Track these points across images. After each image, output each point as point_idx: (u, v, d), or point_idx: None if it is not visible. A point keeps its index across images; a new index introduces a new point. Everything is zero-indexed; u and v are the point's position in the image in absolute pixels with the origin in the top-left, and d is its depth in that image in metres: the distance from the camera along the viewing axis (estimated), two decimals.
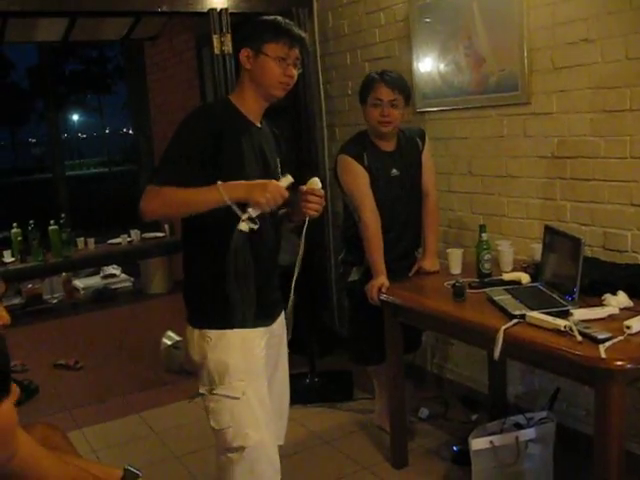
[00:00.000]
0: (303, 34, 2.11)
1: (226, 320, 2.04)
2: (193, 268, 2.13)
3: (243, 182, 1.92)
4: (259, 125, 2.13)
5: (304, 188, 2.05)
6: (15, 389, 1.21)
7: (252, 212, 1.89)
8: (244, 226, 1.89)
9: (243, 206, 1.90)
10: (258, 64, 2.05)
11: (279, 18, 2.10)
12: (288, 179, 1.98)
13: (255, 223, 1.90)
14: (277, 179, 2.06)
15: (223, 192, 1.87)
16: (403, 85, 2.86)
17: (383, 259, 2.83)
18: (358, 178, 2.87)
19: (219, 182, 1.89)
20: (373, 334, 2.99)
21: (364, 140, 2.94)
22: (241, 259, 1.98)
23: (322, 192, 2.04)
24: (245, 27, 2.14)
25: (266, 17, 2.14)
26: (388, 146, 2.94)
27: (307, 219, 2.04)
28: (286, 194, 1.93)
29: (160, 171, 1.99)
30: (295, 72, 2.08)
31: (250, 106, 2.09)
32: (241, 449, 2.02)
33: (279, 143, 2.24)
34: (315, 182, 2.04)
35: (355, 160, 2.87)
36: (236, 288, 2.04)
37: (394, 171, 2.91)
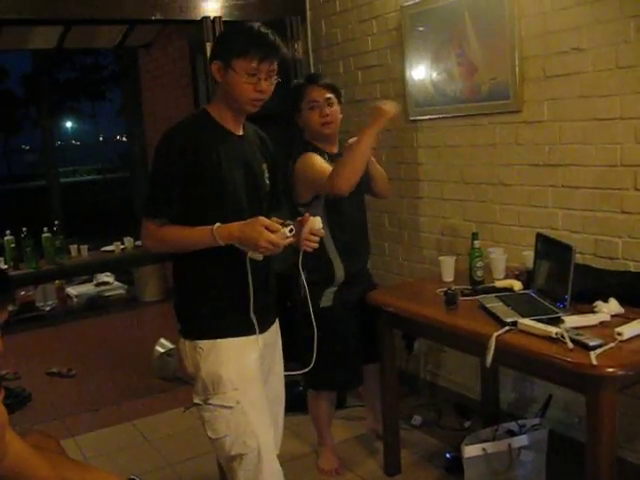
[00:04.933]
0: (278, 42, 1.98)
1: (217, 330, 2.04)
2: (183, 279, 2.12)
3: (236, 227, 1.92)
4: (240, 133, 2.10)
5: (306, 229, 2.01)
6: (1, 389, 1.22)
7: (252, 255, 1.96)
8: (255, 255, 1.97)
9: None
10: (228, 79, 1.98)
11: (253, 27, 1.98)
12: (286, 231, 1.92)
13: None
14: (263, 185, 2.10)
15: (218, 237, 1.92)
16: (332, 84, 2.83)
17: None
18: (323, 162, 2.72)
19: (217, 225, 1.92)
20: (350, 359, 2.90)
21: (311, 147, 2.82)
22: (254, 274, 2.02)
23: (323, 232, 2.04)
24: (217, 37, 2.11)
25: (239, 25, 2.06)
26: (332, 149, 2.85)
27: (301, 251, 2.04)
28: (281, 246, 1.91)
29: (150, 204, 2.01)
30: (268, 85, 1.99)
31: (227, 116, 2.06)
32: (239, 457, 2.02)
33: (266, 147, 2.22)
34: (317, 222, 2.02)
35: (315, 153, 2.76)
36: (229, 296, 2.05)
37: None
